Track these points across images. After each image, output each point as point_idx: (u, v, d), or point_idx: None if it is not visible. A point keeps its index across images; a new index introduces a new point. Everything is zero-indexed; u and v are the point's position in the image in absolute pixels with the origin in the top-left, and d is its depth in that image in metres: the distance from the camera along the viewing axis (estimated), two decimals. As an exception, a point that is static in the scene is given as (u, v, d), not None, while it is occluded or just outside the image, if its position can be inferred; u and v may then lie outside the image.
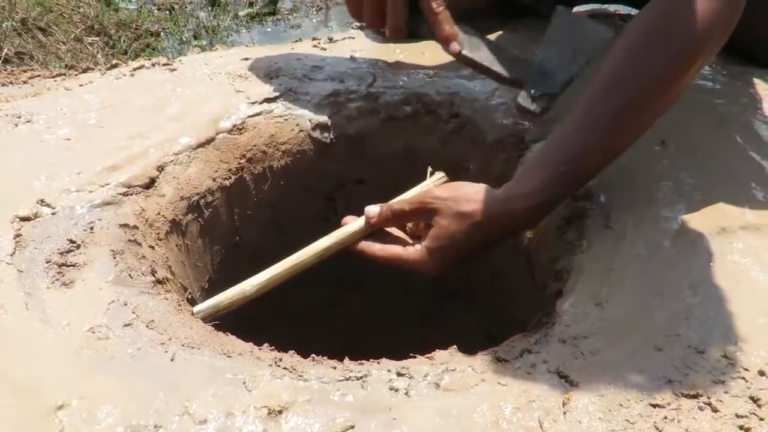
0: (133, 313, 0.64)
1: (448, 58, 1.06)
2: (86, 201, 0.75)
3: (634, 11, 1.22)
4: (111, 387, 0.57)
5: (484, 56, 0.85)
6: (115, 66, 1.04)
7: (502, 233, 0.73)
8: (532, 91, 0.82)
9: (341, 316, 1.14)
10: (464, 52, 0.84)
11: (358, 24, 1.21)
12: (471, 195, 0.73)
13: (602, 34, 0.83)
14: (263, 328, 0.81)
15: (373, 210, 0.77)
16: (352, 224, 0.78)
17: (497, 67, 0.84)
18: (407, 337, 1.03)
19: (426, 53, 1.08)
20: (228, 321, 0.73)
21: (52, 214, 0.74)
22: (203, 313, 0.72)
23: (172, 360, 0.60)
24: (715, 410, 0.57)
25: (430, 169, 0.82)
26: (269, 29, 2.08)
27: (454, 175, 0.95)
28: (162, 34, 1.96)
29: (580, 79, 0.84)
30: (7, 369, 0.58)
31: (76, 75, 1.02)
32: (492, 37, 1.12)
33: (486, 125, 0.93)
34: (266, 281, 0.75)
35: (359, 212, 0.90)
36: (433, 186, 0.80)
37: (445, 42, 0.83)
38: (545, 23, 1.16)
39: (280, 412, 0.55)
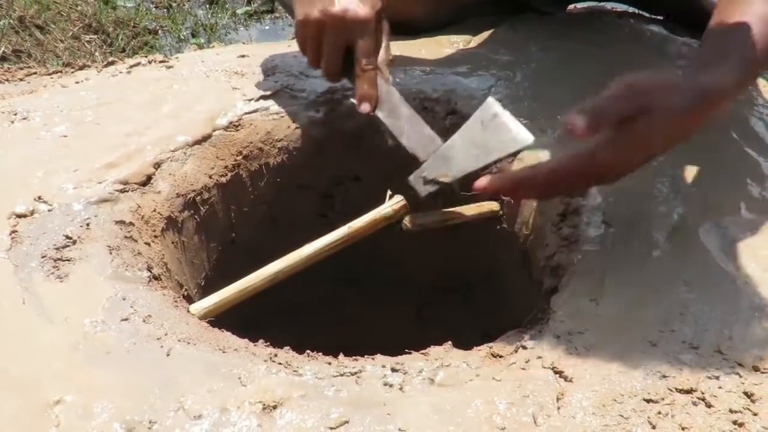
0: (131, 308, 0.65)
1: (445, 55, 1.07)
2: (82, 198, 0.76)
3: (631, 9, 1.23)
4: (107, 382, 0.57)
5: (394, 123, 0.84)
6: (111, 63, 1.04)
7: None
8: (425, 174, 0.80)
9: (338, 313, 1.14)
10: (378, 112, 0.84)
11: None
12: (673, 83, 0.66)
13: (520, 138, 0.78)
14: (260, 325, 0.81)
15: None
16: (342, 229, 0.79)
17: (403, 138, 0.83)
18: (404, 334, 1.03)
19: (423, 50, 1.08)
20: (224, 318, 0.73)
21: (48, 210, 0.74)
22: (200, 311, 0.72)
23: (168, 355, 0.60)
24: (709, 405, 0.57)
25: (389, 193, 0.81)
26: (267, 27, 2.08)
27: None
28: (160, 32, 1.96)
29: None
30: (2, 364, 0.59)
31: (72, 72, 1.02)
32: (492, 32, 1.13)
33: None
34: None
35: (357, 209, 0.91)
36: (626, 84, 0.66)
37: (358, 100, 0.83)
38: (545, 21, 1.16)
39: (274, 407, 0.55)
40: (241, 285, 0.74)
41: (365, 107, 0.83)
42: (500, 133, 0.79)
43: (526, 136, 0.78)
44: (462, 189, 0.82)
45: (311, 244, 0.77)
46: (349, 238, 0.78)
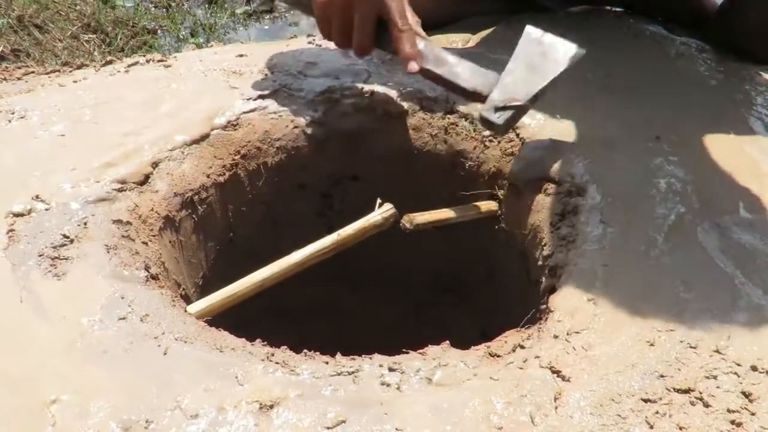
0: (129, 307, 0.64)
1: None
2: (80, 197, 0.75)
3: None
4: (104, 381, 0.57)
5: (446, 70, 0.84)
6: (109, 63, 1.04)
7: None
8: (495, 103, 0.80)
9: (336, 313, 1.14)
10: (426, 66, 0.84)
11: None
12: None
13: (570, 52, 0.81)
14: (258, 325, 0.81)
15: None
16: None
17: (459, 80, 0.83)
18: (402, 334, 1.03)
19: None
20: (221, 318, 0.73)
21: (46, 209, 0.74)
22: (197, 312, 0.72)
23: (165, 354, 0.60)
24: (706, 405, 0.57)
25: (379, 201, 0.81)
26: (266, 27, 2.08)
27: (450, 171, 0.95)
28: (159, 31, 1.95)
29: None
30: (0, 362, 0.58)
31: (70, 71, 1.02)
32: (490, 31, 1.12)
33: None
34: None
35: (355, 209, 0.90)
36: None
37: (405, 61, 0.83)
38: (542, 21, 1.16)
39: (271, 406, 0.55)
40: (229, 291, 0.74)
41: (413, 66, 0.83)
42: (551, 52, 0.81)
43: (576, 49, 0.81)
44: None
45: (300, 251, 0.76)
46: (338, 245, 0.78)
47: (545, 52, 0.81)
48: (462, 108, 0.94)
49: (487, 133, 0.92)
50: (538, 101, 0.81)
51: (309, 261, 0.77)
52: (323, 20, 0.85)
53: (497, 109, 0.79)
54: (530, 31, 0.83)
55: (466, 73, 0.84)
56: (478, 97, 0.82)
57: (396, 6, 0.83)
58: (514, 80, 0.81)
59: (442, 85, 0.86)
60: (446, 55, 0.85)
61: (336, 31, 0.85)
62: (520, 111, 0.80)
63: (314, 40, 1.12)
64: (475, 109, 0.93)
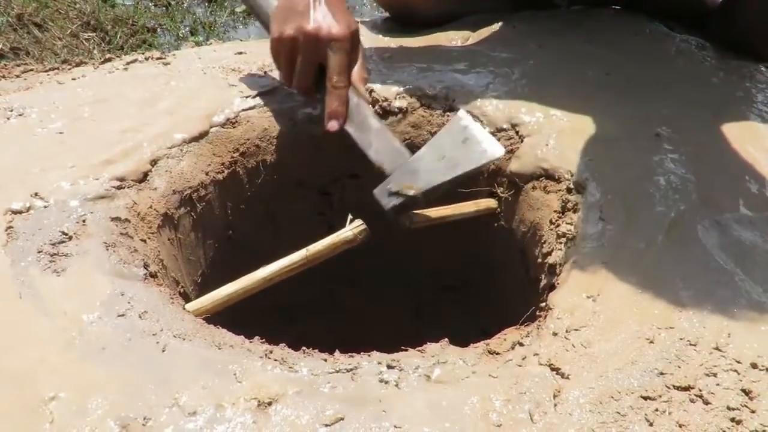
0: (127, 304, 0.64)
1: (443, 52, 1.06)
2: (78, 194, 0.75)
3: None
4: (102, 378, 0.57)
5: (362, 137, 0.83)
6: (108, 60, 1.04)
7: None
8: (389, 186, 0.79)
9: (336, 312, 1.14)
10: (347, 127, 0.84)
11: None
12: None
13: (490, 152, 0.78)
14: (256, 323, 0.80)
15: None
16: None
17: (369, 151, 0.83)
18: (402, 332, 1.03)
19: (421, 47, 1.08)
20: (221, 317, 0.73)
21: (44, 207, 0.74)
22: (196, 310, 0.72)
23: (163, 351, 0.60)
24: (706, 402, 0.57)
25: (350, 217, 0.80)
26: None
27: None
28: (159, 30, 1.95)
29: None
30: (-2, 360, 0.58)
31: (69, 69, 1.02)
32: (489, 30, 1.12)
33: (481, 118, 0.92)
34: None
35: (354, 207, 0.90)
36: None
37: (327, 117, 0.84)
38: (542, 19, 1.16)
39: (269, 403, 0.55)
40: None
41: (333, 125, 0.84)
42: (470, 146, 0.78)
43: (496, 150, 0.78)
44: (429, 203, 0.80)
45: (267, 267, 0.75)
46: (306, 261, 0.76)
47: (463, 145, 0.78)
48: (461, 106, 0.94)
49: (486, 130, 0.91)
50: (437, 195, 0.79)
51: (277, 276, 0.75)
52: (274, 54, 0.88)
53: (390, 193, 0.79)
54: (460, 116, 0.80)
55: (379, 146, 0.83)
56: (381, 172, 0.81)
57: (337, 61, 0.83)
58: (418, 167, 0.79)
59: (357, 148, 0.85)
60: (372, 121, 0.84)
61: (282, 68, 0.87)
62: (411, 201, 0.79)
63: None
64: (475, 107, 0.93)
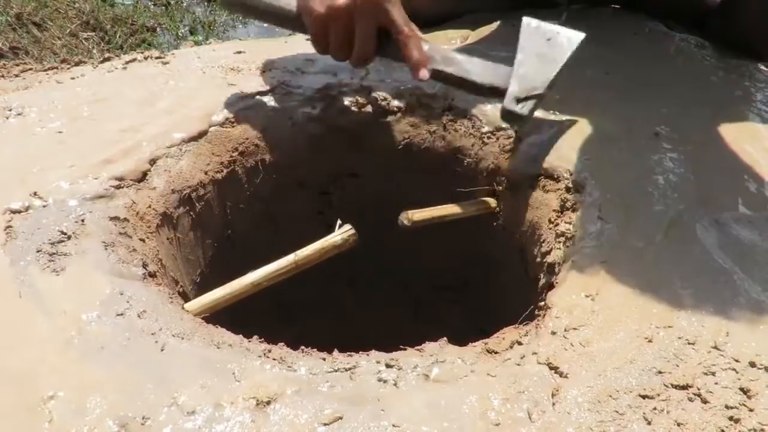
0: (126, 303, 0.64)
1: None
2: (77, 194, 0.75)
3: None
4: (101, 377, 0.57)
5: (458, 68, 0.84)
6: (107, 59, 1.04)
7: None
8: (516, 95, 0.80)
9: (335, 311, 1.14)
10: (437, 67, 0.83)
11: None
12: None
13: (573, 37, 0.83)
14: (255, 323, 0.81)
15: None
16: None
17: (473, 77, 0.83)
18: (401, 331, 1.03)
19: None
20: (219, 316, 0.73)
21: (43, 206, 0.74)
22: (195, 309, 0.72)
23: (162, 350, 0.60)
24: (705, 401, 0.57)
25: (339, 222, 0.80)
26: (266, 24, 2.07)
27: (450, 166, 0.95)
28: (158, 29, 1.95)
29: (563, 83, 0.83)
30: (-4, 359, 0.58)
31: (68, 68, 1.02)
32: (488, 28, 1.12)
33: (480, 117, 0.92)
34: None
35: (353, 206, 0.90)
36: None
37: (414, 68, 0.83)
38: (542, 18, 1.16)
39: (268, 402, 0.55)
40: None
41: (424, 73, 0.82)
42: (556, 39, 0.83)
43: (577, 34, 0.83)
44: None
45: (255, 272, 0.74)
46: (295, 266, 0.76)
47: (550, 40, 0.83)
48: (460, 105, 0.94)
49: (485, 129, 0.92)
50: (553, 88, 0.82)
51: (265, 282, 0.74)
52: (320, 34, 0.83)
53: (519, 100, 0.80)
54: (529, 21, 0.84)
55: (477, 70, 0.83)
56: (496, 91, 0.82)
57: (399, 15, 0.82)
58: (527, 71, 0.81)
59: (455, 86, 0.86)
60: (454, 54, 0.85)
61: (335, 43, 0.83)
62: (540, 99, 0.81)
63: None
64: (474, 106, 0.93)
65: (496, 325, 0.72)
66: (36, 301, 0.63)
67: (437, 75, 0.84)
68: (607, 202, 0.77)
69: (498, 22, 1.13)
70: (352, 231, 0.78)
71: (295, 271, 0.76)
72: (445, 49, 0.86)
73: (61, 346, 0.60)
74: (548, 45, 0.82)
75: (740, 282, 0.68)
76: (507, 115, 0.81)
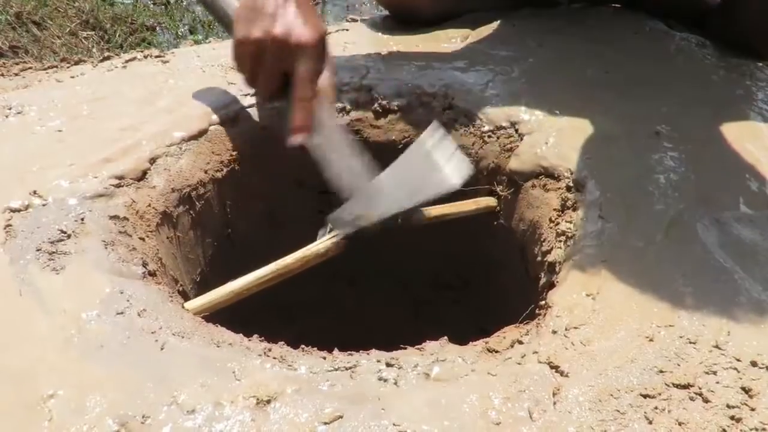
0: (126, 302, 0.64)
1: (442, 50, 1.06)
2: (77, 192, 0.75)
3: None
4: (100, 376, 0.57)
5: (324, 155, 0.79)
6: (107, 58, 1.03)
7: None
8: (345, 212, 0.76)
9: (334, 311, 1.14)
10: (313, 141, 0.79)
11: (352, 17, 1.21)
12: None
13: (455, 177, 0.75)
14: (255, 322, 0.80)
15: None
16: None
17: (331, 172, 0.78)
18: (401, 330, 1.03)
19: (420, 45, 1.08)
20: (220, 316, 0.73)
21: (43, 205, 0.73)
22: (194, 309, 0.72)
23: (162, 349, 0.60)
24: (706, 400, 0.56)
25: (321, 231, 0.78)
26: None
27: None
28: (158, 28, 1.95)
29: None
30: (-4, 358, 0.58)
31: (68, 67, 1.02)
32: (488, 28, 1.12)
33: (480, 116, 0.92)
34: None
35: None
36: None
37: (290, 131, 0.79)
38: (542, 17, 1.16)
39: (268, 401, 0.55)
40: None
41: (296, 139, 0.78)
42: (435, 174, 0.76)
43: (454, 181, 0.75)
44: (383, 230, 0.77)
45: (237, 281, 0.73)
46: (277, 274, 0.74)
47: (425, 169, 0.76)
48: (461, 104, 0.94)
49: (485, 128, 0.92)
50: (391, 224, 0.77)
51: (245, 291, 0.73)
52: (238, 56, 0.81)
53: (344, 221, 0.76)
54: (432, 134, 0.77)
55: (341, 168, 0.78)
56: (340, 194, 0.78)
57: (304, 70, 0.78)
58: (378, 194, 0.76)
59: (319, 164, 0.81)
60: (339, 140, 0.80)
61: (246, 72, 0.81)
62: (365, 230, 0.76)
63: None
64: (475, 105, 0.93)
65: (496, 324, 0.72)
66: (36, 299, 0.63)
67: (309, 149, 0.80)
68: (607, 201, 0.77)
69: (498, 22, 1.13)
70: (336, 239, 0.76)
71: (276, 279, 0.74)
72: (340, 131, 0.81)
73: (61, 345, 0.59)
74: (424, 177, 0.75)
75: (741, 281, 0.68)
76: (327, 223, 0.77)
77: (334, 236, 0.76)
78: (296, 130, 0.78)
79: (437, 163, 0.76)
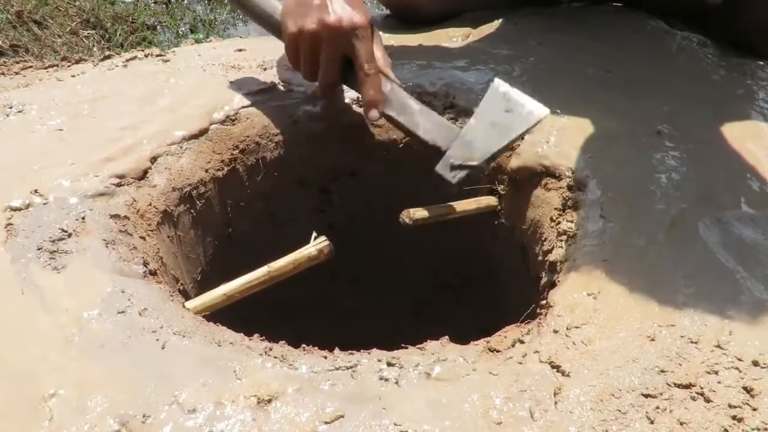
0: (128, 301, 0.64)
1: (443, 49, 1.06)
2: (78, 191, 0.75)
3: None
4: (101, 375, 0.57)
5: (408, 119, 0.83)
6: (107, 57, 1.03)
7: None
8: (452, 161, 0.79)
9: (335, 310, 1.14)
10: (388, 112, 0.83)
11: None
12: None
13: (535, 112, 0.80)
14: (256, 321, 0.80)
15: None
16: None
17: (419, 131, 0.83)
18: (402, 330, 1.03)
19: (421, 44, 1.07)
20: (220, 315, 0.73)
21: (44, 204, 0.73)
22: (195, 308, 0.72)
23: (162, 348, 0.60)
24: (708, 400, 0.56)
25: (314, 234, 0.79)
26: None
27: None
28: (158, 27, 1.95)
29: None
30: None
31: (68, 66, 1.01)
32: (489, 26, 1.12)
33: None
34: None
35: (354, 204, 0.90)
36: None
37: (366, 106, 0.83)
38: (543, 15, 1.16)
39: (269, 401, 0.55)
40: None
41: (374, 114, 0.83)
42: (516, 110, 0.80)
43: (541, 109, 0.80)
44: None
45: (228, 284, 0.73)
46: (269, 278, 0.75)
47: (510, 110, 0.80)
48: (462, 103, 0.94)
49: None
50: (495, 161, 0.81)
51: (238, 294, 0.73)
52: (292, 51, 0.85)
53: (453, 167, 0.79)
54: (498, 84, 0.82)
55: (427, 125, 0.83)
56: (437, 150, 0.81)
57: (363, 48, 0.82)
58: (472, 138, 0.80)
59: (402, 131, 0.86)
60: (411, 102, 0.84)
61: (304, 64, 0.85)
62: (474, 170, 0.80)
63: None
64: (476, 104, 0.93)
65: (497, 323, 0.72)
66: (37, 298, 0.63)
67: (388, 119, 0.84)
68: (609, 200, 0.77)
69: (499, 20, 1.13)
70: (327, 242, 0.77)
71: (268, 283, 0.75)
72: (407, 95, 0.85)
73: (62, 344, 0.59)
74: (506, 116, 0.80)
75: (743, 281, 0.67)
76: (438, 176, 0.80)
77: (324, 240, 0.77)
78: (371, 104, 0.83)
79: (518, 101, 0.81)
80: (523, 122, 0.80)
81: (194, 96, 0.92)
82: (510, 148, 0.83)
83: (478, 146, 0.80)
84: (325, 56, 0.83)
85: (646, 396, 0.57)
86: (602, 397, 0.56)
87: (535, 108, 0.80)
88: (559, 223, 0.78)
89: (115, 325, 0.61)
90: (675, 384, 0.57)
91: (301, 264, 0.76)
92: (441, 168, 0.80)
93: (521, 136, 0.81)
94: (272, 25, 0.89)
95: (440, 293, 1.11)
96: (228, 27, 2.02)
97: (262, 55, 1.01)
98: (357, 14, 0.81)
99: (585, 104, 0.91)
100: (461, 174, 0.79)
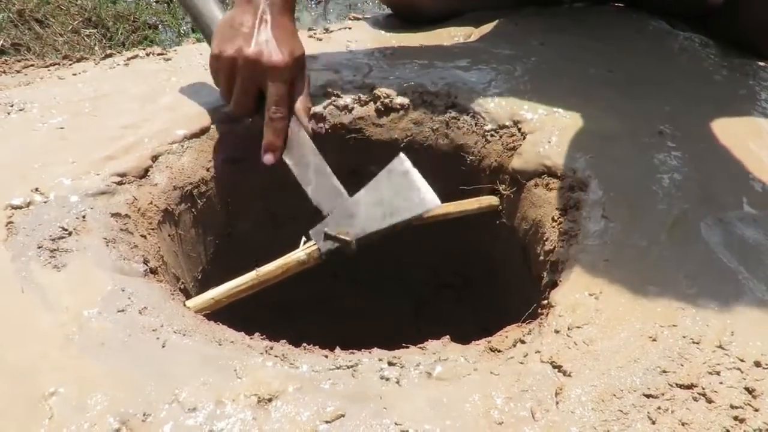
0: (128, 299, 0.64)
1: (445, 49, 1.06)
2: (79, 190, 0.75)
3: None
4: (101, 373, 0.57)
5: (301, 172, 0.81)
6: (109, 56, 1.03)
7: None
8: (326, 229, 0.77)
9: (336, 310, 1.14)
10: (286, 159, 0.81)
11: (355, 16, 1.21)
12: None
13: (428, 203, 0.75)
14: (257, 320, 0.80)
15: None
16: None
17: (308, 189, 0.80)
18: (403, 329, 1.03)
19: (423, 43, 1.07)
20: (221, 314, 0.73)
21: (44, 202, 0.73)
22: (195, 307, 0.71)
23: (163, 347, 0.60)
24: (709, 401, 0.56)
25: (303, 239, 0.78)
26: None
27: (452, 164, 0.95)
28: (160, 26, 1.95)
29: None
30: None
31: (70, 64, 1.01)
32: (493, 26, 1.12)
33: (483, 115, 0.92)
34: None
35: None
36: None
37: (263, 149, 0.81)
38: (545, 15, 1.15)
39: (269, 400, 0.55)
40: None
41: (268, 158, 0.80)
42: (407, 194, 0.76)
43: (434, 201, 0.76)
44: (362, 248, 0.77)
45: (216, 289, 0.73)
46: (258, 283, 0.74)
47: (402, 193, 0.76)
48: (463, 102, 0.94)
49: (488, 127, 0.91)
50: (370, 241, 0.77)
51: (225, 299, 0.73)
52: (213, 71, 0.84)
53: (326, 236, 0.76)
54: (401, 161, 0.78)
55: (318, 184, 0.80)
56: (319, 212, 0.79)
57: (275, 89, 0.80)
58: (356, 212, 0.77)
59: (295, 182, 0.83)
60: (311, 157, 0.81)
61: (221, 86, 0.84)
62: (344, 246, 0.77)
63: (314, 33, 1.11)
64: (477, 104, 0.93)
65: (498, 323, 0.72)
66: (37, 296, 0.63)
67: (284, 164, 0.82)
68: (610, 200, 0.77)
69: (501, 20, 1.13)
70: (316, 247, 0.77)
71: (257, 287, 0.75)
72: (310, 148, 0.82)
73: (62, 342, 0.59)
74: (396, 198, 0.76)
75: (745, 281, 0.67)
76: (310, 238, 0.78)
77: (314, 245, 0.77)
78: (267, 148, 0.81)
79: (414, 185, 0.77)
80: (410, 210, 0.76)
81: (196, 95, 0.92)
82: (393, 229, 0.77)
83: (357, 222, 0.76)
84: (239, 86, 0.81)
85: (648, 396, 0.56)
86: (604, 397, 0.56)
87: (428, 197, 0.75)
88: (560, 222, 0.78)
89: (116, 324, 0.61)
90: (677, 384, 0.57)
91: (290, 268, 0.76)
92: (314, 232, 0.78)
93: (405, 223, 0.76)
94: (208, 37, 0.87)
95: (441, 293, 1.10)
96: (229, 26, 2.02)
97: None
98: (278, 53, 0.79)
99: (586, 104, 0.91)
100: (331, 246, 0.76)
